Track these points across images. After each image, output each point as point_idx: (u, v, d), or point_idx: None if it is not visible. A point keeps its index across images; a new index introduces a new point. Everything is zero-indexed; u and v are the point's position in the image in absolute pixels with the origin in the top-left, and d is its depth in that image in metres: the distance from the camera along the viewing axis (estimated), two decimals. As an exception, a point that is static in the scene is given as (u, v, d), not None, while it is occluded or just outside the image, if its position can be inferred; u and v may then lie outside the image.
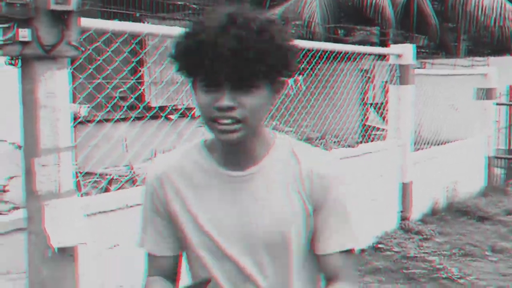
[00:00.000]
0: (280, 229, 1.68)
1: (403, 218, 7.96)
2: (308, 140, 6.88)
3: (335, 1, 15.21)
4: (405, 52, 8.02)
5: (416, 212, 8.30)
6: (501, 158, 11.45)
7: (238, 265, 1.71)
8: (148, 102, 8.29)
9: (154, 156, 5.20)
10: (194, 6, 9.37)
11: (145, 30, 4.67)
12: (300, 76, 8.01)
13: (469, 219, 8.76)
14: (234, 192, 1.68)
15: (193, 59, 1.52)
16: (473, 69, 13.36)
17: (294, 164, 1.70)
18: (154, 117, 5.86)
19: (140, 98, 8.97)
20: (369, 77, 13.19)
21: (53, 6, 3.07)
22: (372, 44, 16.11)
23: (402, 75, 7.96)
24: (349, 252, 1.74)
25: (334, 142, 7.38)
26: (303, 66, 6.69)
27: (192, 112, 7.27)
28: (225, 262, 1.71)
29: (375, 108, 12.09)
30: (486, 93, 11.04)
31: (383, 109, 9.05)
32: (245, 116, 1.53)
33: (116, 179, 4.84)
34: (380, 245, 7.07)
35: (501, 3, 14.87)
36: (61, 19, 3.14)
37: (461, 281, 6.15)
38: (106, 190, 4.55)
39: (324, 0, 14.85)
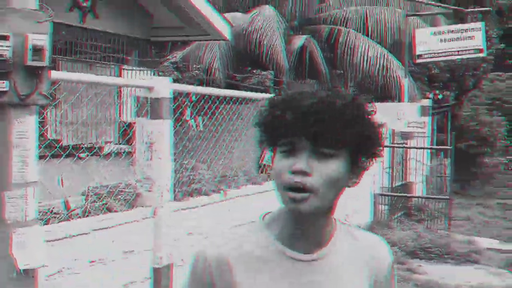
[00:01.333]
0: None
1: None
2: (223, 177, 7.23)
3: (234, 48, 15.25)
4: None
5: None
6: (385, 195, 12.09)
7: None
8: (59, 140, 8.40)
9: (87, 191, 5.51)
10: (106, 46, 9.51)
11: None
12: (199, 116, 8.32)
13: None
14: (300, 276, 1.55)
15: (273, 123, 1.49)
16: None
17: (356, 246, 1.64)
18: (68, 155, 6.12)
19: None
20: None
21: (29, 62, 3.49)
22: (267, 88, 16.12)
23: None
24: None
25: (246, 179, 7.76)
26: (200, 107, 6.94)
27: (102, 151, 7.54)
28: None
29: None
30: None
31: None
32: (318, 185, 1.45)
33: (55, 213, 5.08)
34: None
35: (385, 55, 15.70)
36: (35, 73, 3.56)
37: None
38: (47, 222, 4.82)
39: (224, 47, 15.00)
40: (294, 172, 1.42)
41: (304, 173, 1.42)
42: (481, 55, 15.81)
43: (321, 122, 1.41)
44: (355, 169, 1.53)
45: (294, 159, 1.44)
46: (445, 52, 14.99)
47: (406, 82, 15.09)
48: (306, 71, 16.52)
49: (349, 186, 1.54)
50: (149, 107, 5.47)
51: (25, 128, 3.62)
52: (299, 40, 15.75)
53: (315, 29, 16.42)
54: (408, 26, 15.49)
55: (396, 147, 13.39)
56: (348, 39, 15.86)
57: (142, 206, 5.46)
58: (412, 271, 8.80)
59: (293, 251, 1.54)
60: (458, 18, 18.45)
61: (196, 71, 15.31)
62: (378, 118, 1.53)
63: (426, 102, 16.95)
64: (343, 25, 16.21)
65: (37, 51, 3.52)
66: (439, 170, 16.76)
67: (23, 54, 3.49)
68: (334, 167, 1.45)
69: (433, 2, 17.61)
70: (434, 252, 9.84)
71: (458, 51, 14.81)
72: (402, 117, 14.10)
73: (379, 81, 16.66)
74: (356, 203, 10.56)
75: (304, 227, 1.53)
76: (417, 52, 15.02)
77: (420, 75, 19.77)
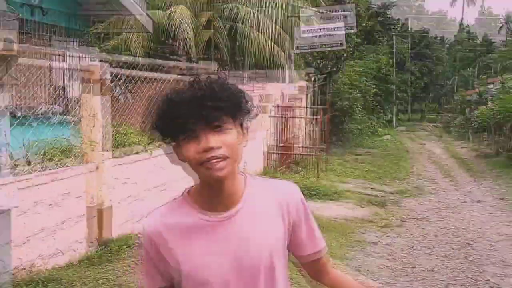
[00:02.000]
0: (268, 254, 1.53)
1: None
2: (151, 140, 7.11)
3: (155, 36, 15.06)
4: (211, 66, 8.91)
5: None
6: (272, 152, 12.33)
7: None
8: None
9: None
10: None
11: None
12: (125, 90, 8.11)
13: None
14: (221, 233, 1.50)
15: (171, 122, 1.43)
16: (254, 90, 13.31)
17: (268, 193, 1.58)
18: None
19: None
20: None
21: (1, 52, 3.54)
22: (181, 71, 16.40)
23: None
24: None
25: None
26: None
27: None
28: None
29: None
30: (263, 108, 11.85)
31: None
32: (228, 153, 1.42)
33: None
34: None
35: (274, 47, 15.64)
36: (6, 60, 3.59)
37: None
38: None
39: (146, 36, 14.57)
40: (206, 150, 1.39)
41: (216, 148, 1.39)
42: (342, 47, 16.15)
43: (207, 107, 1.38)
44: (242, 130, 1.50)
45: (199, 139, 1.39)
46: (316, 44, 15.08)
47: (288, 69, 15.27)
48: (212, 58, 15.86)
49: (244, 146, 1.50)
50: (92, 86, 5.38)
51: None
52: (207, 34, 15.53)
53: (219, 25, 16.08)
54: (290, 24, 15.54)
55: (279, 117, 13.15)
56: (245, 33, 15.66)
57: (87, 163, 5.44)
58: None
59: (213, 213, 1.49)
60: (327, 18, 18.69)
61: (127, 53, 14.90)
62: (237, 88, 1.49)
63: (303, 83, 17.01)
64: (241, 22, 15.92)
65: (7, 43, 3.56)
66: (312, 133, 16.57)
67: None
68: (231, 136, 1.43)
69: (308, 7, 17.54)
70: (307, 193, 9.54)
71: (325, 43, 14.88)
72: (284, 94, 14.21)
73: (269, 65, 16.55)
74: (251, 156, 10.54)
75: (221, 190, 1.47)
76: (296, 44, 15.07)
77: (300, 61, 19.36)
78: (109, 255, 5.29)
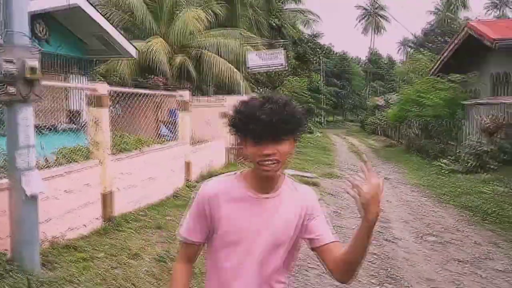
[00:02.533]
0: (289, 232, 1.55)
1: (187, 180, 8.29)
2: (139, 141, 7.11)
3: (137, 63, 14.77)
4: (185, 94, 8.67)
5: (194, 176, 8.72)
6: (232, 148, 12.00)
7: (252, 257, 1.53)
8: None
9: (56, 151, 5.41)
10: None
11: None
12: (118, 105, 8.11)
13: None
14: (260, 208, 1.53)
15: (245, 126, 1.45)
16: (217, 102, 13.38)
17: (296, 192, 1.61)
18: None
19: None
20: (159, 107, 12.83)
21: (28, 76, 3.59)
22: (159, 88, 16.08)
23: (184, 106, 8.51)
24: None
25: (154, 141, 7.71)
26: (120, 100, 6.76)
27: None
28: (244, 254, 1.52)
29: (164, 124, 11.96)
30: (224, 115, 11.98)
31: (171, 124, 9.22)
32: (281, 158, 1.46)
33: None
34: (176, 194, 7.45)
35: (231, 68, 15.55)
36: (31, 82, 3.63)
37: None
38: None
39: (130, 63, 14.42)
40: (265, 155, 1.43)
41: (272, 155, 1.43)
42: (283, 67, 16.00)
43: (277, 127, 1.41)
44: (296, 140, 1.52)
45: (261, 146, 1.43)
46: (263, 66, 15.12)
47: (242, 84, 15.28)
48: (184, 77, 15.93)
49: (291, 154, 1.53)
50: (95, 100, 5.42)
51: (25, 114, 3.70)
52: (178, 58, 15.25)
53: (188, 51, 15.94)
54: (243, 50, 15.55)
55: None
56: (208, 58, 15.53)
57: (93, 159, 5.54)
58: None
59: (257, 192, 1.53)
60: (271, 45, 18.96)
61: (114, 77, 14.70)
62: (299, 108, 1.52)
63: (254, 94, 17.44)
64: (205, 49, 15.81)
65: (32, 69, 3.62)
66: None
67: (24, 71, 3.57)
68: (286, 147, 1.46)
69: (256, 37, 17.83)
70: None
71: (270, 65, 14.93)
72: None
73: (228, 83, 16.37)
74: (217, 153, 10.84)
75: (269, 181, 1.53)
76: (248, 65, 15.06)
77: (251, 78, 19.39)
78: (112, 228, 5.37)
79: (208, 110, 11.16)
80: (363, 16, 61.62)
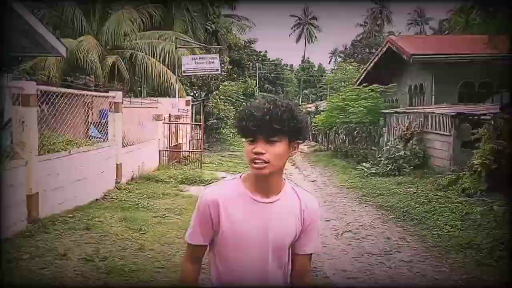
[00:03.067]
0: (288, 237, 1.59)
1: (117, 182, 8.21)
2: (69, 141, 6.93)
3: (67, 62, 14.06)
4: (117, 95, 8.51)
5: (125, 178, 8.68)
6: (165, 151, 12.21)
7: (253, 260, 1.57)
8: None
9: None
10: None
11: None
12: (45, 105, 7.86)
13: (152, 181, 9.32)
14: (261, 212, 1.56)
15: (241, 124, 1.51)
16: (151, 104, 13.80)
17: (296, 199, 1.63)
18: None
19: None
20: (89, 107, 12.40)
21: None
22: (89, 88, 15.33)
23: (116, 107, 8.37)
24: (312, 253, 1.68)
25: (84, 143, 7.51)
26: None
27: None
28: (246, 258, 1.56)
29: (94, 125, 11.58)
30: (158, 117, 11.78)
31: (101, 125, 9.01)
32: (269, 159, 1.48)
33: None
34: (105, 196, 7.37)
35: (166, 71, 15.43)
36: None
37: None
38: None
39: (59, 61, 13.83)
40: (255, 153, 1.48)
41: (261, 153, 1.48)
42: (218, 72, 16.28)
43: (268, 125, 1.46)
44: (292, 146, 1.54)
45: (254, 145, 1.49)
46: (198, 70, 15.03)
47: (177, 87, 15.17)
48: (115, 78, 15.73)
49: (290, 156, 1.56)
50: (22, 99, 5.24)
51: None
52: (111, 59, 14.94)
53: (122, 52, 15.63)
54: (178, 54, 15.43)
55: (171, 123, 13.10)
56: (143, 60, 15.35)
57: (18, 159, 5.30)
58: (180, 190, 8.92)
59: (257, 196, 1.56)
60: (207, 50, 18.87)
61: (41, 75, 14.02)
62: (304, 115, 1.57)
63: (189, 98, 17.13)
64: (139, 51, 15.61)
65: None
66: (196, 136, 16.83)
67: None
68: (278, 148, 1.49)
69: (193, 41, 17.71)
70: (193, 180, 10.04)
71: (205, 69, 14.92)
72: (175, 106, 13.98)
73: (162, 85, 16.21)
74: (149, 155, 10.74)
75: (263, 182, 1.55)
76: (183, 69, 14.85)
77: (186, 81, 19.31)
78: (38, 230, 5.27)
79: (141, 112, 11.08)
80: (297, 25, 63.78)
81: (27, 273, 4.01)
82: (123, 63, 15.39)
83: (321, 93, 40.62)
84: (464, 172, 8.75)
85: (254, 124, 1.46)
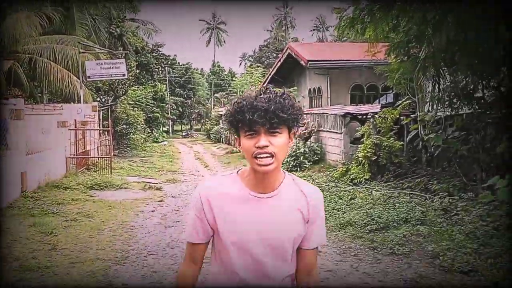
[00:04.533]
0: (290, 232, 1.50)
1: (23, 191, 8.00)
2: None
3: None
4: (18, 102, 8.56)
5: (31, 187, 8.42)
6: (73, 158, 11.96)
7: (254, 257, 1.49)
8: None
9: None
10: None
11: None
12: None
13: (60, 189, 9.14)
14: (259, 208, 1.48)
15: (240, 117, 1.41)
16: (55, 110, 12.71)
17: (298, 191, 1.53)
18: None
19: None
20: None
21: None
22: None
23: (17, 115, 8.18)
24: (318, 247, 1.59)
25: None
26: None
27: None
28: (246, 254, 1.49)
29: None
30: (63, 124, 11.43)
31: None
32: (276, 151, 1.40)
33: None
34: (11, 205, 7.22)
35: (70, 75, 14.90)
36: None
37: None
38: None
39: None
40: (260, 147, 1.39)
41: (266, 146, 1.39)
42: (124, 77, 16.23)
43: (274, 115, 1.38)
44: (290, 137, 1.47)
45: (257, 139, 1.40)
46: (104, 75, 14.89)
47: (82, 92, 14.74)
48: (13, 84, 14.86)
49: (289, 147, 1.49)
50: None
51: None
52: (7, 64, 14.10)
53: (19, 57, 14.81)
54: (82, 59, 15.08)
55: (77, 129, 12.84)
56: (43, 64, 14.67)
57: None
58: (90, 196, 8.92)
59: (255, 191, 1.48)
60: (112, 55, 18.36)
61: None
62: (299, 104, 1.48)
63: (95, 103, 16.84)
64: (39, 55, 14.89)
65: None
66: (105, 142, 16.14)
67: None
68: (281, 139, 1.41)
69: (97, 46, 17.40)
70: (103, 185, 9.89)
71: (111, 74, 14.81)
72: (80, 112, 13.53)
73: (66, 90, 15.58)
74: (57, 164, 10.59)
75: (264, 177, 1.46)
76: (87, 74, 14.69)
77: (92, 86, 18.73)
78: None
79: (44, 118, 10.74)
80: (205, 30, 64.48)
81: None
82: (21, 68, 14.67)
83: (232, 96, 41.67)
84: (352, 165, 10.06)
85: (259, 115, 1.37)
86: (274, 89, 1.45)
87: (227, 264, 1.52)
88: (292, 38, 53.55)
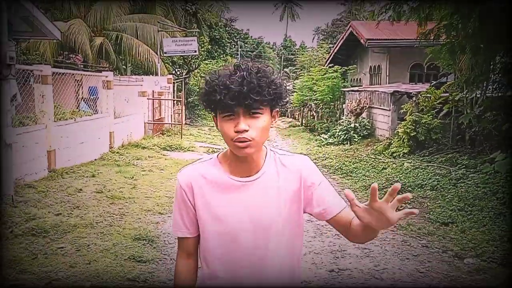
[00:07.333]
0: (277, 215, 1.36)
1: (111, 147, 9.89)
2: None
3: (58, 43, 15.19)
4: (109, 74, 10.24)
5: (117, 144, 10.28)
6: (150, 123, 13.58)
7: (242, 244, 1.36)
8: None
9: None
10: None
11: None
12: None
13: (139, 148, 10.83)
14: (241, 193, 1.36)
15: (214, 98, 1.25)
16: (136, 81, 14.64)
17: (283, 168, 1.40)
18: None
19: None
20: (79, 84, 12.86)
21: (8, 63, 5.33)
22: (77, 66, 16.55)
23: (108, 85, 9.98)
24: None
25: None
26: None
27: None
28: (232, 243, 1.36)
29: (84, 101, 11.96)
30: (143, 94, 13.23)
31: (91, 101, 10.33)
32: (254, 135, 1.26)
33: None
34: (102, 157, 9.04)
35: (149, 51, 16.57)
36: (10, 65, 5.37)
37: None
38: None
39: (52, 43, 15.06)
40: (239, 131, 1.25)
41: (245, 131, 1.25)
42: (196, 53, 17.98)
43: (248, 97, 1.22)
44: (274, 116, 1.34)
45: (235, 121, 1.26)
46: (178, 51, 16.67)
47: (159, 66, 16.27)
48: (103, 57, 17.02)
49: (271, 127, 1.34)
50: (41, 79, 7.04)
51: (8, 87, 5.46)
52: (99, 40, 16.32)
53: (108, 34, 16.97)
54: (160, 36, 16.88)
55: (154, 99, 14.10)
56: (127, 41, 16.73)
57: (40, 124, 7.22)
58: (163, 154, 10.47)
59: (235, 176, 1.36)
60: (185, 33, 19.91)
61: (36, 55, 15.50)
62: (280, 76, 1.33)
63: (170, 76, 18.22)
64: (124, 32, 16.96)
65: (11, 58, 5.35)
66: (177, 111, 17.40)
67: (6, 60, 5.32)
68: (261, 121, 1.28)
69: (173, 25, 18.91)
70: (174, 147, 11.63)
71: (184, 51, 16.56)
72: (158, 84, 15.30)
73: (145, 64, 17.55)
74: (136, 127, 12.24)
75: (245, 160, 1.34)
76: (164, 50, 16.50)
77: (168, 61, 20.68)
78: (56, 176, 7.22)
79: (128, 89, 12.52)
80: (279, 3, 64.86)
81: (55, 201, 5.97)
82: (109, 44, 16.80)
83: (301, 71, 42.43)
84: (394, 139, 10.93)
85: (231, 97, 1.23)
86: (250, 64, 1.29)
87: (215, 262, 1.39)
88: (369, 12, 52.11)
